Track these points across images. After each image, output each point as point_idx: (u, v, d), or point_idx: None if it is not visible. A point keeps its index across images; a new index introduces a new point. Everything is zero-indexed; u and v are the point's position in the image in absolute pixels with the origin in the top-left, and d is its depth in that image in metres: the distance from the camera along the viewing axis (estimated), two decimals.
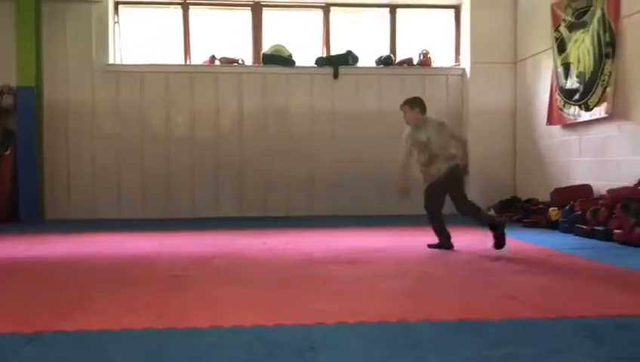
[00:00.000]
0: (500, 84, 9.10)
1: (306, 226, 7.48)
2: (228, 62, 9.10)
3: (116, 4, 9.09)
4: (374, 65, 9.31)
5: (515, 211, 8.11)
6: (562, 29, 7.49)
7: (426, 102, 9.12)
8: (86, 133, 8.82)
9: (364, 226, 7.52)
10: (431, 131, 5.42)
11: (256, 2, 9.26)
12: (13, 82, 8.47)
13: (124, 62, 9.13)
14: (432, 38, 9.60)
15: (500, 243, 5.19)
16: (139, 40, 9.28)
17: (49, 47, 8.70)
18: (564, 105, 7.51)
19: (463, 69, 9.27)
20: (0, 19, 8.60)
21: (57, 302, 3.47)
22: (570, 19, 7.34)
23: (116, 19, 9.11)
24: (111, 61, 8.92)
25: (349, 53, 9.23)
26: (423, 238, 6.28)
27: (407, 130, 5.58)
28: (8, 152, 8.46)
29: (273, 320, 2.96)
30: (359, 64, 9.28)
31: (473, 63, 9.10)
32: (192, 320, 3.00)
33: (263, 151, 9.03)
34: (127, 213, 8.77)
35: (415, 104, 5.65)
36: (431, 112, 9.44)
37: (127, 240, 6.42)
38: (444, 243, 5.48)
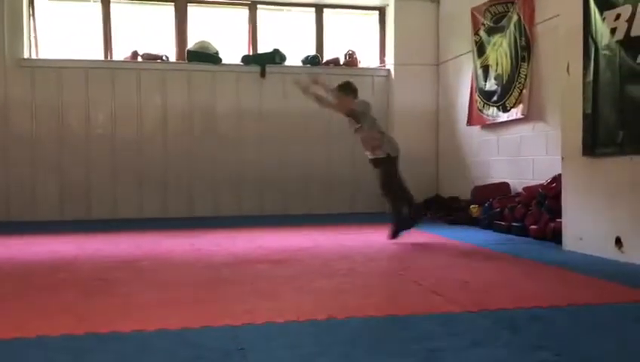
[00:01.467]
0: (423, 85, 9.36)
1: (234, 226, 7.40)
2: (151, 58, 8.86)
3: None
4: (301, 64, 9.33)
5: (438, 208, 8.35)
6: (482, 32, 7.79)
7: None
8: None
9: (291, 225, 7.52)
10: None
11: None
12: None
13: (41, 57, 8.69)
14: (358, 38, 9.74)
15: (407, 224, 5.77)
16: (57, 34, 8.86)
17: None
18: (483, 107, 7.81)
19: (388, 70, 9.46)
20: None
21: None
22: (488, 23, 7.64)
23: (31, 12, 8.66)
24: (26, 56, 8.48)
25: (276, 51, 9.20)
26: (350, 236, 6.37)
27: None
28: None
29: (200, 322, 2.91)
30: (286, 63, 9.28)
31: (397, 65, 9.31)
32: (114, 324, 2.89)
33: (188, 151, 8.85)
34: (44, 216, 8.36)
35: (349, 90, 5.89)
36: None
37: (43, 243, 6.11)
38: (404, 224, 5.79)
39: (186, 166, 8.84)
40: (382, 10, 9.63)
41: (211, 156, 8.91)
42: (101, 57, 8.83)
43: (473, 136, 8.29)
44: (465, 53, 8.40)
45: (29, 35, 8.61)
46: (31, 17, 8.65)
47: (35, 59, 8.60)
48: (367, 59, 9.67)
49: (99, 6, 8.86)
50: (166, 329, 2.80)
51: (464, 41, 8.34)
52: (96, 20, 8.87)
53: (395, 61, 9.31)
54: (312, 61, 9.30)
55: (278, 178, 9.06)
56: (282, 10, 9.58)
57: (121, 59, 8.86)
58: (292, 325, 2.88)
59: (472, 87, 8.12)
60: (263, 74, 9.07)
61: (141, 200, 8.71)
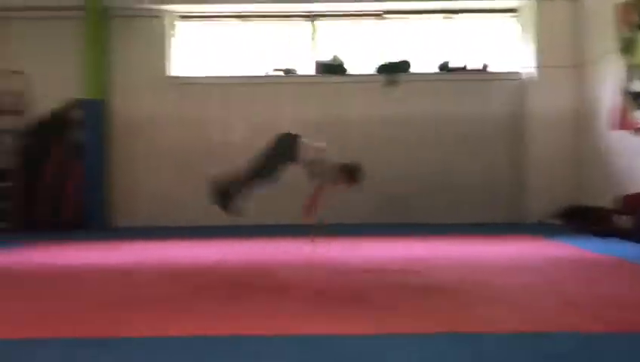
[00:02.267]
0: (563, 88, 8.83)
1: (361, 235, 7.46)
2: (285, 72, 9.24)
3: (178, 18, 9.38)
4: (431, 71, 9.23)
5: (582, 218, 7.83)
6: (630, 30, 7.21)
7: (485, 108, 8.94)
8: (151, 144, 9.12)
9: (416, 234, 7.41)
10: None
11: (312, 12, 9.36)
12: (82, 96, 8.88)
13: (186, 75, 9.40)
14: (491, 42, 9.43)
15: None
16: (200, 52, 9.55)
17: (116, 61, 9.08)
18: (631, 109, 7.21)
19: (523, 74, 9.05)
20: (70, 36, 9.05)
21: (107, 308, 3.60)
22: (638, 19, 7.05)
23: (177, 33, 9.41)
24: (173, 73, 9.22)
25: (405, 60, 9.19)
26: (482, 247, 6.18)
27: None
28: (77, 163, 8.85)
29: (344, 329, 2.97)
30: (415, 71, 9.22)
31: (533, 68, 8.88)
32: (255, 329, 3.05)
33: None
34: (191, 221, 8.97)
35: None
36: (490, 119, 9.34)
37: (191, 247, 6.60)
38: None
39: None
40: (517, 12, 9.25)
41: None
42: (240, 73, 9.35)
43: (620, 141, 7.66)
44: (610, 53, 7.81)
45: (177, 55, 9.35)
46: (178, 38, 9.40)
47: (182, 77, 9.32)
48: (500, 64, 9.33)
49: (239, 25, 9.41)
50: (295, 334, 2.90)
51: (608, 40, 7.76)
52: (235, 38, 9.43)
53: (532, 64, 8.89)
54: (442, 68, 9.17)
55: (408, 186, 8.98)
56: (410, 18, 9.54)
57: (259, 74, 9.32)
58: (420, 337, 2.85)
59: (618, 89, 7.53)
60: (392, 83, 9.09)
61: (275, 206, 9.06)
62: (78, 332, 3.01)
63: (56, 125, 8.91)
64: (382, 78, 9.09)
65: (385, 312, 3.34)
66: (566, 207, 8.36)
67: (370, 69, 9.24)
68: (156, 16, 9.13)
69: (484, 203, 9.00)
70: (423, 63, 9.27)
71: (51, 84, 9.07)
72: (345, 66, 9.16)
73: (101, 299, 3.85)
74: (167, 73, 9.16)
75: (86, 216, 8.74)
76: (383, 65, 9.23)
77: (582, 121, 8.74)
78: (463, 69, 9.18)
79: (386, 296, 3.83)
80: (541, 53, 8.84)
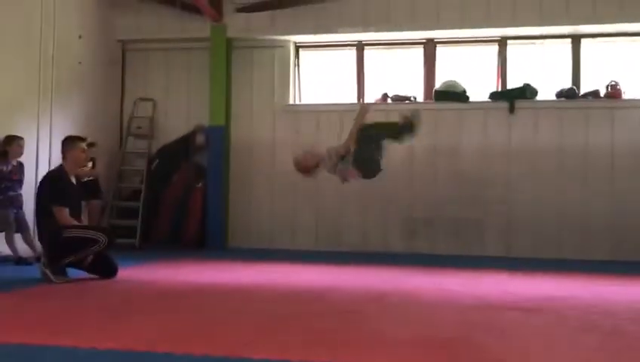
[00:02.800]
0: None
1: (477, 267, 7.19)
2: (400, 100, 9.20)
3: (297, 48, 9.69)
4: (555, 98, 8.80)
5: None
6: None
7: (616, 137, 8.40)
8: (267, 169, 9.42)
9: (543, 270, 7.02)
10: None
11: (429, 39, 9.28)
12: (205, 122, 9.39)
13: (303, 102, 9.65)
14: (622, 67, 8.82)
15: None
16: (316, 80, 9.77)
17: (237, 89, 9.52)
18: None
19: None
20: (195, 65, 9.64)
21: (239, 328, 3.69)
22: None
23: (297, 62, 9.70)
24: (291, 102, 9.50)
25: (527, 86, 8.81)
26: (613, 287, 5.75)
27: None
28: (200, 185, 9.32)
29: None
30: (538, 97, 8.84)
31: None
32: (363, 357, 3.01)
33: (432, 189, 8.90)
34: (301, 245, 9.13)
35: None
36: (622, 148, 8.71)
37: (302, 271, 6.68)
38: None
39: (429, 203, 8.87)
40: None
41: (456, 195, 8.81)
42: (354, 100, 9.44)
43: None
44: None
45: (294, 83, 9.64)
46: (296, 67, 9.69)
47: (298, 105, 9.58)
48: (634, 90, 8.69)
49: (354, 52, 9.54)
50: None
51: None
52: (350, 66, 9.55)
53: None
54: (568, 94, 8.70)
55: (529, 218, 8.58)
56: (534, 43, 9.18)
57: (372, 101, 9.36)
58: None
59: None
60: (512, 110, 8.77)
61: (385, 235, 9.00)
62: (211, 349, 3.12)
63: (182, 149, 9.46)
64: (503, 105, 8.77)
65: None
66: None
67: (487, 96, 8.96)
68: (279, 46, 9.48)
69: (614, 240, 8.36)
70: (548, 90, 8.85)
71: (178, 111, 9.70)
72: (467, 93, 8.94)
73: (222, 317, 3.98)
74: (285, 100, 9.45)
75: (207, 236, 9.15)
76: (499, 92, 8.94)
77: None
78: (593, 95, 8.65)
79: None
80: None
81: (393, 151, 8.99)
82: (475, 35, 9.15)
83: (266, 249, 9.07)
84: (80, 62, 8.74)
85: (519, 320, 4.16)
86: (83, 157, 5.97)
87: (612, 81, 8.62)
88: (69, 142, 5.85)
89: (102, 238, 5.47)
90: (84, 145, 5.91)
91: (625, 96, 8.60)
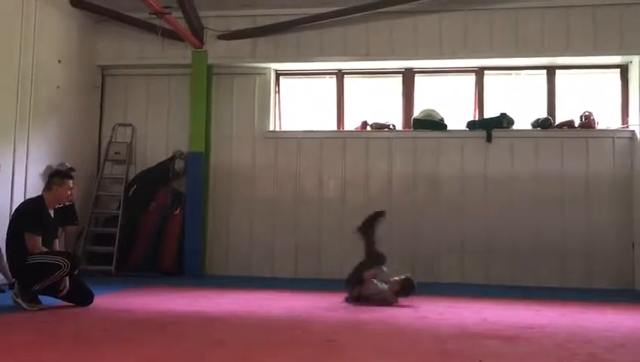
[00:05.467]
0: None
1: (457, 295, 7.21)
2: (379, 127, 9.30)
3: (277, 75, 9.76)
4: (531, 127, 8.97)
5: None
6: None
7: (590, 167, 8.56)
8: (246, 195, 9.39)
9: (519, 298, 7.07)
10: None
11: (408, 68, 9.43)
12: (185, 148, 9.36)
13: (283, 129, 9.69)
14: (595, 98, 9.05)
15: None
16: (296, 108, 9.84)
17: (217, 115, 9.53)
18: None
19: (632, 132, 8.59)
20: (175, 91, 9.66)
21: (215, 358, 3.63)
22: None
23: (277, 89, 9.76)
24: (271, 128, 9.53)
25: (503, 115, 8.99)
26: (588, 315, 5.80)
27: None
28: (177, 212, 9.25)
29: None
30: (514, 127, 9.00)
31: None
32: None
33: (411, 216, 8.96)
34: (280, 273, 9.08)
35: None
36: (596, 177, 8.89)
37: (280, 299, 6.63)
38: None
39: (408, 231, 8.92)
40: (624, 68, 8.87)
41: (434, 222, 8.88)
42: (334, 128, 9.51)
43: None
44: None
45: (274, 110, 9.68)
46: (276, 94, 9.75)
47: (278, 131, 9.61)
48: (607, 121, 8.91)
49: (334, 80, 9.64)
50: None
51: None
52: (330, 94, 9.64)
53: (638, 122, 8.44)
54: (543, 124, 8.88)
55: (505, 246, 8.67)
56: (511, 74, 9.39)
57: (352, 129, 9.44)
58: None
59: None
60: (489, 139, 8.90)
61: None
62: None
63: (160, 175, 9.39)
64: (480, 133, 8.91)
65: None
66: None
67: (464, 125, 9.10)
68: (259, 73, 9.54)
69: (590, 267, 8.47)
70: (524, 119, 9.02)
71: (158, 137, 9.67)
72: (445, 122, 9.07)
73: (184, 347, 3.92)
74: (265, 127, 9.47)
75: (184, 263, 9.04)
76: (477, 121, 9.08)
77: None
78: (568, 125, 8.83)
79: None
80: None
81: (373, 179, 9.15)
82: (453, 66, 9.32)
83: (245, 276, 9.00)
84: (58, 87, 8.69)
85: (499, 349, 4.17)
86: (67, 195, 5.87)
87: (586, 112, 8.84)
88: (58, 179, 5.76)
89: (64, 263, 5.36)
90: (71, 183, 5.83)
91: (598, 126, 8.81)
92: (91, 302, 5.64)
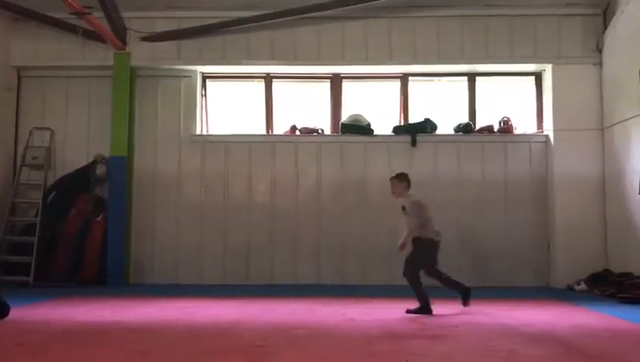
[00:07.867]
0: (587, 151, 8.79)
1: (385, 296, 7.34)
2: (308, 132, 9.34)
3: (204, 78, 9.61)
4: (453, 132, 9.27)
5: (607, 285, 7.62)
6: None
7: (509, 170, 8.85)
8: (172, 201, 9.17)
9: (447, 298, 7.26)
10: (408, 205, 6.37)
11: (335, 74, 9.53)
12: (106, 152, 9.04)
13: (210, 133, 9.54)
14: (513, 105, 9.48)
15: (466, 302, 6.17)
16: (224, 111, 9.72)
17: (141, 118, 9.27)
18: None
19: (547, 136, 9.04)
20: (96, 94, 9.32)
21: None
22: None
23: (203, 92, 9.61)
24: (198, 132, 9.36)
25: (427, 120, 9.24)
26: (510, 312, 6.03)
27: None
28: (100, 218, 8.91)
29: None
30: (438, 132, 9.27)
31: (557, 130, 8.87)
32: None
33: (340, 219, 9.04)
34: (208, 279, 8.93)
35: (403, 178, 6.61)
36: (514, 180, 9.28)
37: (208, 306, 6.51)
38: (424, 308, 5.90)
39: (337, 234, 9.00)
40: (538, 76, 9.33)
41: (363, 225, 9.00)
42: (263, 132, 9.46)
43: None
44: (634, 117, 7.79)
45: (201, 113, 9.52)
46: (203, 97, 9.59)
47: (205, 135, 9.46)
48: (524, 126, 9.34)
49: (262, 85, 9.60)
50: None
51: (632, 104, 7.76)
52: (259, 98, 9.59)
53: (554, 127, 8.89)
54: (465, 129, 9.20)
55: None
56: (434, 80, 9.67)
57: (281, 133, 9.43)
58: None
59: None
60: (414, 143, 9.13)
61: (295, 266, 8.99)
62: None
63: (81, 181, 9.03)
64: (405, 138, 9.11)
65: None
66: (593, 273, 8.16)
67: (390, 129, 9.28)
68: (185, 76, 9.35)
69: (509, 267, 8.84)
70: (446, 124, 9.31)
71: (78, 141, 9.29)
72: (371, 127, 9.21)
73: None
74: (192, 131, 9.30)
75: (107, 271, 8.71)
76: (402, 126, 9.29)
77: (608, 184, 8.64)
78: (488, 130, 9.19)
79: None
80: (564, 116, 8.85)
81: (301, 183, 9.16)
82: (379, 71, 9.50)
83: (171, 284, 8.78)
84: None
85: (426, 348, 4.27)
86: None
87: (504, 117, 9.24)
88: None
89: None
90: None
91: (516, 131, 9.23)
92: (7, 315, 5.34)
